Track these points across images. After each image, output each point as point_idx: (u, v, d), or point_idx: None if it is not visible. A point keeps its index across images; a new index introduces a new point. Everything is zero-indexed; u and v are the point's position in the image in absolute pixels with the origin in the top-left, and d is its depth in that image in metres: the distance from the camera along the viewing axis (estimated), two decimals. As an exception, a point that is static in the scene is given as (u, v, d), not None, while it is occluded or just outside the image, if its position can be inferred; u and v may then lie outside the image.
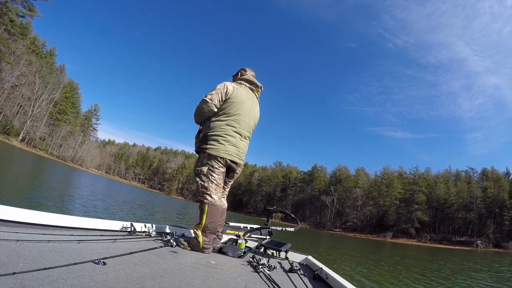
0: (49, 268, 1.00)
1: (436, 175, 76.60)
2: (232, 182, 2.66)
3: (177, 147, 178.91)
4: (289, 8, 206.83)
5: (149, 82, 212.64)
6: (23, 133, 58.29)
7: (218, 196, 2.37)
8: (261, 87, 2.72)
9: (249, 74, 2.70)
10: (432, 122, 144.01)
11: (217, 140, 2.37)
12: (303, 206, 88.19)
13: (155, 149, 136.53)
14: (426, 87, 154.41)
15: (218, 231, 2.40)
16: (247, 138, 2.57)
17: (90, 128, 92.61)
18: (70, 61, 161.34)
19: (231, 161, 2.42)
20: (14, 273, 0.86)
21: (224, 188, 2.55)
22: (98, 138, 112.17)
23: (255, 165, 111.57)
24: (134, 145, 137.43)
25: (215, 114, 2.44)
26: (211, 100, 2.39)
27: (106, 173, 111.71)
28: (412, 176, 77.54)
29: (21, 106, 57.28)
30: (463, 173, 74.14)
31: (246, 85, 2.62)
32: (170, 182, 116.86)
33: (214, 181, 2.35)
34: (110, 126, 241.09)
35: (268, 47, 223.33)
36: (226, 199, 2.61)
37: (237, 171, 2.54)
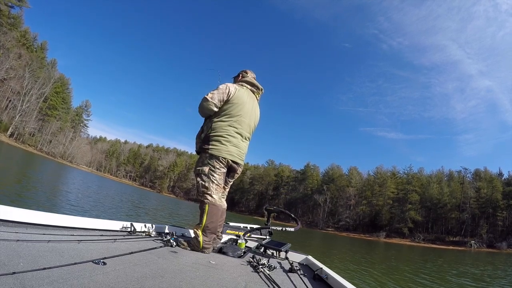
0: (49, 268, 1.00)
1: (429, 175, 77.30)
2: (232, 183, 2.68)
3: (169, 145, 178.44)
4: (284, 6, 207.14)
5: (141, 79, 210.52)
6: (12, 128, 57.12)
7: (218, 196, 2.39)
8: (262, 89, 2.77)
9: (250, 76, 2.75)
10: (425, 124, 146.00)
11: (219, 141, 2.39)
12: (295, 205, 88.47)
13: (147, 146, 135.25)
14: (419, 88, 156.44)
15: (218, 231, 2.41)
16: (247, 139, 2.61)
17: (81, 124, 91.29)
18: (61, 56, 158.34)
19: (232, 161, 2.44)
20: (14, 273, 0.87)
21: (224, 188, 2.57)
22: (89, 134, 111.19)
23: (247, 163, 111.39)
24: (126, 142, 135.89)
25: (217, 115, 2.46)
26: (211, 98, 2.42)
27: (97, 170, 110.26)
28: (405, 176, 78.16)
29: (10, 100, 56.02)
30: (456, 173, 74.88)
31: (247, 87, 2.66)
32: (162, 179, 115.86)
33: (215, 181, 2.37)
34: (102, 123, 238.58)
35: (261, 44, 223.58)
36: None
37: (237, 172, 2.57)
